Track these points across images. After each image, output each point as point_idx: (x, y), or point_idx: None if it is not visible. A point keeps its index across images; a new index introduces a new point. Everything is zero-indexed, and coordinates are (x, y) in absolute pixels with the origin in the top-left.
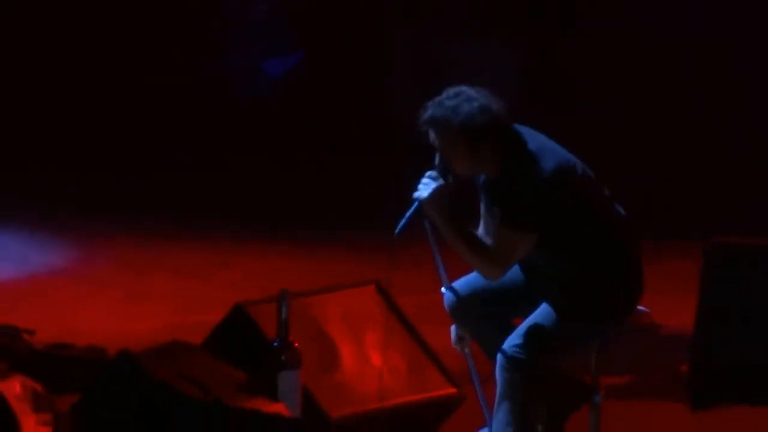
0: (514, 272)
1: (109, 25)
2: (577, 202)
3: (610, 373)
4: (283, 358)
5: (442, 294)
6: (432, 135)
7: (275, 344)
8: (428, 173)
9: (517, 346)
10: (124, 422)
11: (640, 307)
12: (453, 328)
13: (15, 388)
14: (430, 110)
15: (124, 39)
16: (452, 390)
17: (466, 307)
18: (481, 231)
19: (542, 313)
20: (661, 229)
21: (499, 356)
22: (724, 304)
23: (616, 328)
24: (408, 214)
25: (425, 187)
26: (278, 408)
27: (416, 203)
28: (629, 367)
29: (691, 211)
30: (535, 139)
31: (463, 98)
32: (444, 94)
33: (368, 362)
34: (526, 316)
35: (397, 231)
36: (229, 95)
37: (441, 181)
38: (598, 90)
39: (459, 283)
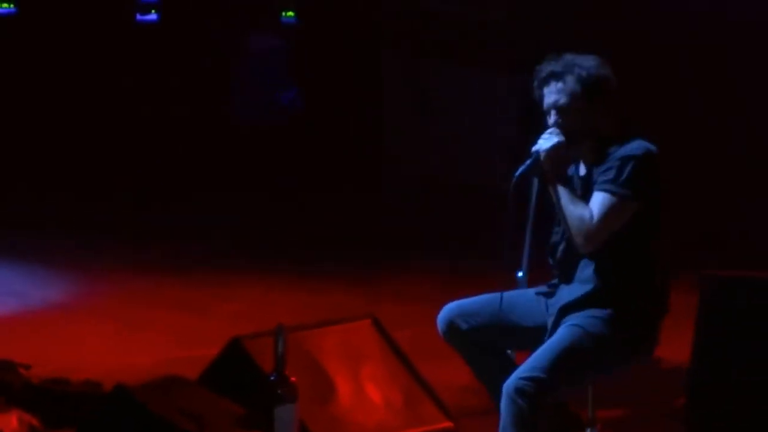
0: (525, 304)
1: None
2: (664, 198)
3: (606, 407)
4: (279, 392)
5: (517, 278)
6: (550, 91)
7: (272, 378)
8: (550, 129)
9: (524, 378)
10: None
11: None
12: None
13: (12, 422)
14: (548, 67)
15: (128, 71)
16: (448, 423)
17: (461, 335)
18: None
19: (560, 341)
20: None
21: (506, 387)
22: (720, 337)
23: (638, 358)
24: (526, 164)
25: (546, 140)
26: None
27: (535, 154)
28: (626, 401)
29: (686, 222)
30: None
31: (578, 57)
32: (554, 58)
33: (364, 396)
34: (525, 350)
35: (514, 179)
36: (231, 126)
37: (562, 138)
38: None
39: (458, 309)
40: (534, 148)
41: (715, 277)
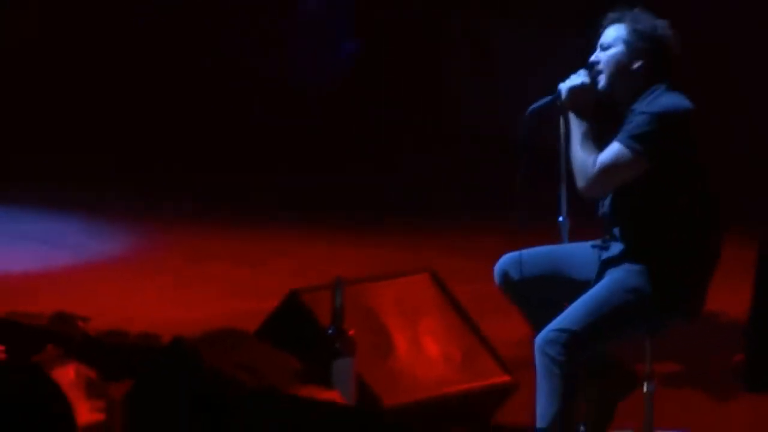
0: (578, 258)
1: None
2: (694, 158)
3: (663, 361)
4: (337, 345)
5: (558, 223)
6: (604, 36)
7: (330, 332)
8: (580, 70)
9: (555, 329)
10: (176, 409)
11: None
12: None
13: (69, 375)
14: (615, 12)
15: (185, 27)
16: (506, 378)
17: (513, 284)
18: None
19: (593, 295)
20: None
21: (537, 339)
22: None
23: (678, 316)
24: (546, 98)
25: (572, 80)
26: (332, 396)
27: (557, 92)
28: (683, 356)
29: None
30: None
31: (654, 20)
32: (637, 11)
33: (422, 350)
34: None
35: (529, 109)
36: (288, 85)
37: (588, 80)
38: None
39: (513, 259)
40: (560, 85)
41: None
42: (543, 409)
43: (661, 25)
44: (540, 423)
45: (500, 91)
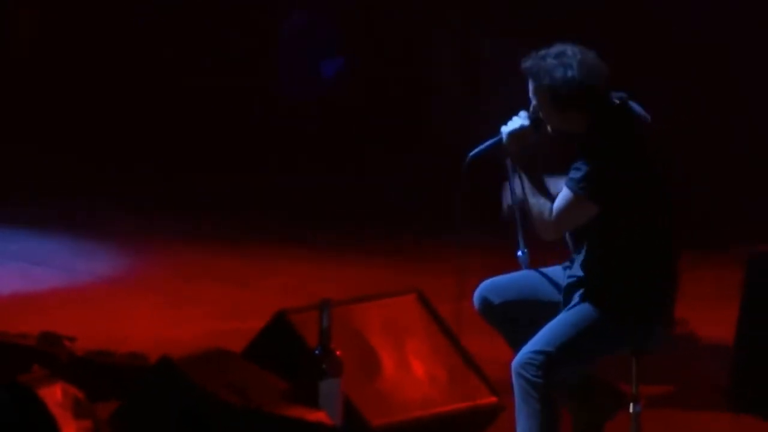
0: (553, 280)
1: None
2: (643, 193)
3: (650, 382)
4: (324, 366)
5: (517, 258)
6: (529, 87)
7: (316, 352)
8: (521, 112)
9: (531, 351)
10: (164, 429)
11: None
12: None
13: (56, 394)
14: (530, 61)
15: (175, 40)
16: (493, 399)
17: (493, 310)
18: None
19: (563, 317)
20: (698, 237)
21: (513, 363)
22: (765, 314)
23: (643, 336)
24: (487, 142)
25: (512, 123)
26: (319, 416)
27: (499, 135)
28: (670, 377)
29: (726, 216)
30: (629, 118)
31: (563, 62)
32: (552, 49)
33: (409, 371)
34: None
35: (471, 154)
36: (277, 98)
37: (527, 123)
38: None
39: (491, 285)
40: (502, 128)
41: (762, 254)
42: (523, 431)
43: (573, 73)
44: None
45: (486, 106)
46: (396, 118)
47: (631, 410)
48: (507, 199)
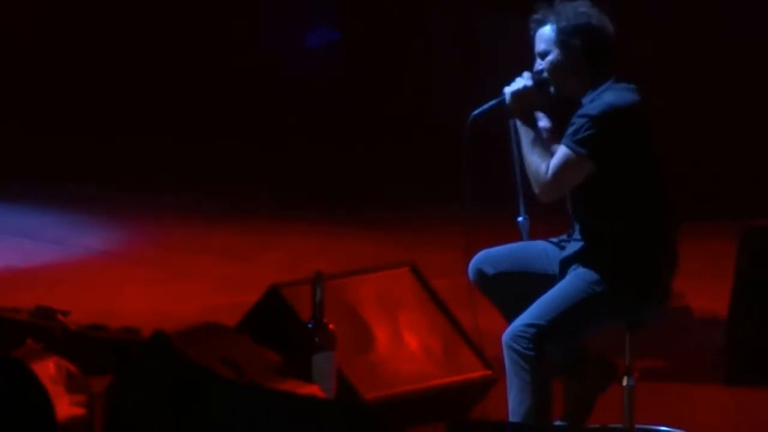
0: (550, 252)
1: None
2: (641, 152)
3: (643, 355)
4: (317, 339)
5: (517, 223)
6: (535, 39)
7: (309, 326)
8: (524, 73)
9: (522, 324)
10: (157, 403)
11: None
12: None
13: (49, 369)
14: (542, 11)
15: (168, 16)
16: (487, 372)
17: (488, 281)
18: None
19: (557, 290)
20: (698, 211)
21: (504, 335)
22: (759, 286)
23: (639, 311)
24: (490, 102)
25: (515, 83)
26: (312, 390)
27: (501, 96)
28: (663, 349)
29: (723, 192)
30: (629, 86)
31: (577, 9)
32: (563, 3)
33: (402, 344)
34: None
35: (474, 113)
36: (273, 73)
37: (530, 83)
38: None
39: (487, 256)
40: (505, 88)
41: (755, 227)
42: (514, 404)
43: (587, 12)
44: (512, 418)
45: (482, 82)
46: (392, 93)
47: (624, 383)
48: None
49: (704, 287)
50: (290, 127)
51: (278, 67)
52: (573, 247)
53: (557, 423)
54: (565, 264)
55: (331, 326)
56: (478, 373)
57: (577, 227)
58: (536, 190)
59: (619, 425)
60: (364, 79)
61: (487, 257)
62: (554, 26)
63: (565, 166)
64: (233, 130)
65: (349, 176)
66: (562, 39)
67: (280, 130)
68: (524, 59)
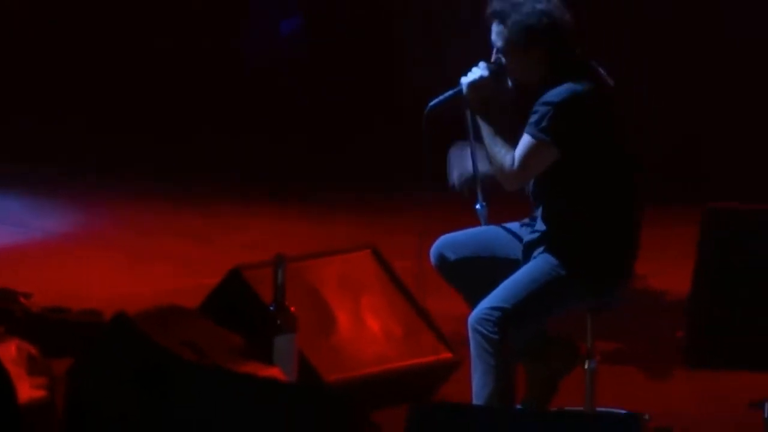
0: (511, 236)
1: None
2: (603, 136)
3: (605, 338)
4: (278, 322)
5: (476, 210)
6: (492, 30)
7: (271, 308)
8: (481, 62)
9: (487, 307)
10: (119, 386)
11: None
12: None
13: (11, 351)
14: (494, 3)
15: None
16: (448, 355)
17: (449, 266)
18: None
19: (521, 274)
20: (665, 194)
21: (469, 318)
22: (720, 269)
23: (603, 291)
24: (447, 93)
25: (472, 73)
26: (274, 372)
27: (459, 86)
28: (625, 333)
29: (694, 176)
30: (590, 71)
31: (534, 1)
32: None
33: (364, 327)
34: None
35: (430, 104)
36: (240, 56)
37: (487, 73)
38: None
39: (448, 241)
40: (462, 78)
41: (716, 209)
42: (478, 387)
43: (542, 6)
44: (476, 401)
45: (450, 63)
46: (358, 75)
47: (585, 366)
48: (458, 168)
49: (668, 270)
50: (254, 113)
51: (246, 55)
52: (536, 231)
53: (520, 406)
54: (529, 248)
55: (292, 309)
56: (440, 355)
57: (539, 211)
58: (502, 180)
59: (581, 408)
60: (327, 63)
61: (448, 242)
62: (510, 20)
63: (530, 154)
64: (201, 116)
65: (312, 160)
66: (520, 32)
67: (246, 116)
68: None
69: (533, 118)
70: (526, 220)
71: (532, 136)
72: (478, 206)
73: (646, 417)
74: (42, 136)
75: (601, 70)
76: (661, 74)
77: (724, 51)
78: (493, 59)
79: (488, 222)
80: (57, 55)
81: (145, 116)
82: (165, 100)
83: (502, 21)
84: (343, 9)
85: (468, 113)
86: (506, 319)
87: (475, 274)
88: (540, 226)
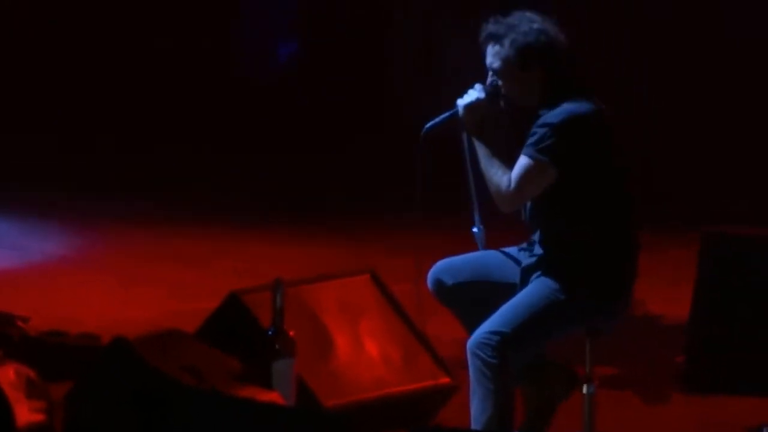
0: (508, 261)
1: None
2: (602, 158)
3: (604, 363)
4: (277, 346)
5: (473, 233)
6: (488, 53)
7: (270, 333)
8: (477, 85)
9: (487, 332)
10: (118, 410)
11: None
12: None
13: (9, 375)
14: (490, 26)
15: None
16: (446, 380)
17: (447, 291)
18: None
19: (520, 298)
20: (660, 217)
21: (468, 343)
22: (719, 293)
23: (603, 315)
24: (443, 115)
25: (468, 96)
26: (272, 397)
27: (454, 109)
28: (624, 357)
29: (690, 199)
30: (587, 90)
31: (524, 18)
32: (511, 15)
33: (363, 351)
34: None
35: (427, 126)
36: (234, 77)
37: (483, 95)
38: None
39: (445, 266)
40: (458, 100)
41: (716, 233)
42: (477, 412)
43: (540, 25)
44: (474, 426)
45: (444, 88)
46: (353, 95)
47: (584, 391)
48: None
49: (664, 294)
50: (248, 134)
51: (246, 78)
52: (534, 255)
53: (517, 431)
54: (527, 272)
55: (291, 333)
56: (438, 380)
57: (536, 235)
58: (498, 202)
59: None
60: (323, 84)
61: (446, 267)
62: (507, 41)
63: (528, 175)
64: (194, 137)
65: (305, 183)
66: (515, 55)
67: (239, 138)
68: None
69: (532, 139)
70: (524, 245)
71: (530, 157)
72: (475, 229)
73: None
74: (39, 158)
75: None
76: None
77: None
78: (488, 81)
79: (486, 245)
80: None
81: (133, 139)
82: (155, 119)
83: (499, 42)
84: (339, 33)
85: (464, 135)
86: (505, 343)
87: (472, 298)
88: (538, 250)
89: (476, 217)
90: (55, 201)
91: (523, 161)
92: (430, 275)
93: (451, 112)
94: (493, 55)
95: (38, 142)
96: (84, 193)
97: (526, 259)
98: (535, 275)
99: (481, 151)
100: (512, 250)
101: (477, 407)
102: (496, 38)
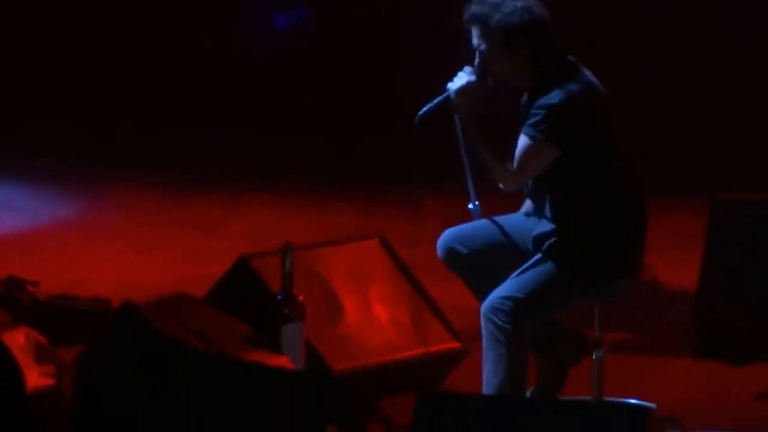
0: (515, 228)
1: None
2: (600, 133)
3: (613, 328)
4: (286, 311)
5: (469, 210)
6: (473, 34)
7: (279, 297)
8: (465, 67)
9: (501, 297)
10: (127, 373)
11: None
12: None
13: (19, 339)
14: (473, 7)
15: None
16: (456, 344)
17: (461, 259)
18: None
19: (533, 265)
20: (668, 184)
21: (482, 307)
22: (729, 260)
23: (614, 285)
24: (435, 100)
25: (458, 79)
26: (282, 361)
27: (446, 92)
28: (633, 323)
29: (698, 166)
30: (575, 63)
31: (514, 1)
32: None
33: (372, 315)
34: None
35: (420, 113)
36: (240, 48)
37: (473, 78)
38: (608, 40)
39: (456, 234)
40: (448, 85)
41: (726, 200)
42: (489, 376)
43: (522, 3)
44: (486, 390)
45: (453, 59)
46: (360, 67)
47: (593, 356)
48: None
49: (675, 260)
50: (256, 103)
51: (249, 49)
52: (545, 226)
53: (529, 395)
54: (539, 241)
55: (300, 297)
56: (448, 345)
57: (545, 209)
58: (502, 184)
59: (589, 398)
60: (333, 54)
61: (457, 236)
62: (493, 19)
63: (530, 155)
64: (203, 108)
65: (313, 148)
66: (502, 34)
67: (247, 107)
68: None
69: (531, 120)
70: (530, 211)
71: (531, 137)
72: (471, 206)
73: (654, 406)
74: (54, 129)
75: (587, 73)
76: (661, 74)
77: (724, 51)
78: (476, 63)
79: (482, 218)
80: (57, 50)
81: (148, 110)
82: (165, 88)
83: (484, 23)
84: (344, 8)
85: (457, 118)
86: (519, 308)
87: (485, 266)
88: (546, 219)
89: (471, 193)
90: (63, 167)
91: (523, 141)
92: (442, 244)
93: (443, 96)
94: (478, 37)
95: (49, 108)
96: (93, 158)
97: (537, 227)
98: (547, 243)
99: (477, 133)
100: (518, 217)
101: (489, 371)
102: (481, 19)
